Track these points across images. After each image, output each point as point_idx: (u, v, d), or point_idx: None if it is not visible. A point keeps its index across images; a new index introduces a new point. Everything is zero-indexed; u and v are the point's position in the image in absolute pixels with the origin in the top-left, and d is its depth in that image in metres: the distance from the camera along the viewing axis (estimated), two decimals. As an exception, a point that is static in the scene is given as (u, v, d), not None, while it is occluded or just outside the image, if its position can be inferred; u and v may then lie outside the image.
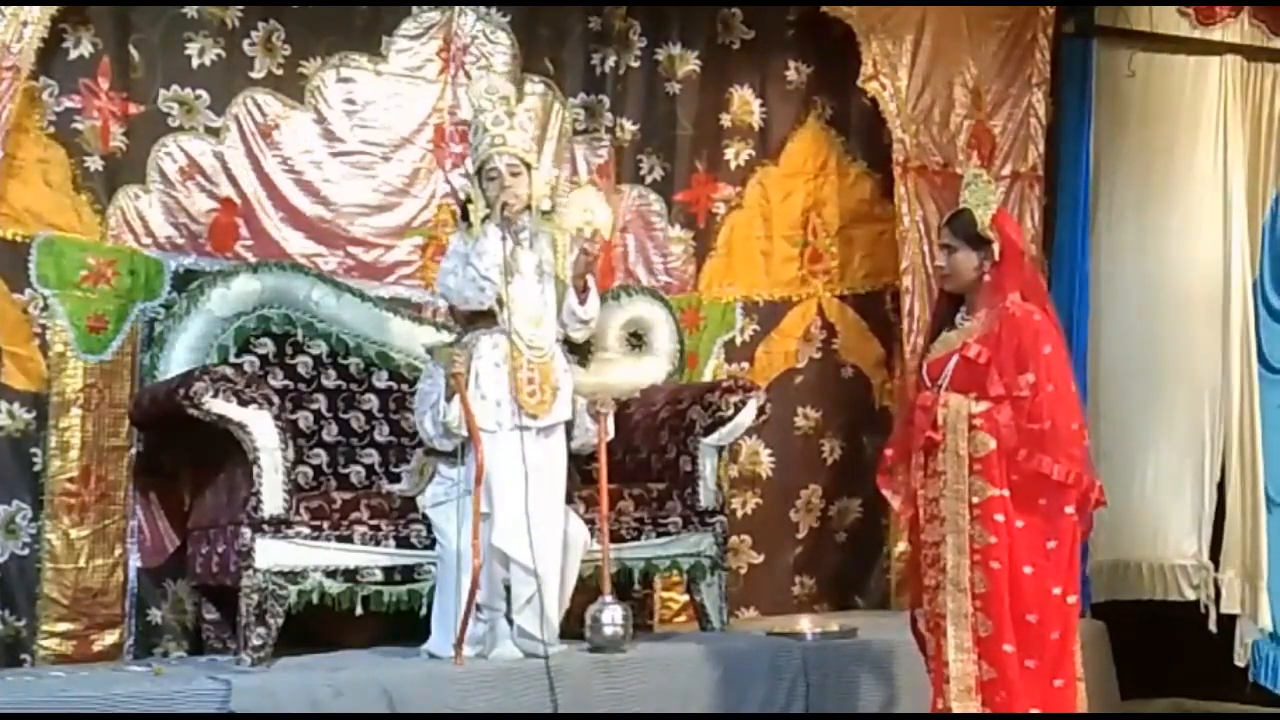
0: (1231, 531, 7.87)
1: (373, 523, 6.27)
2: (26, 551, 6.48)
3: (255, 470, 6.04)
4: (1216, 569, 7.84)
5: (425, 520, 6.31)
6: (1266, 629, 7.69)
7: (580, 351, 7.17)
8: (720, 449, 7.02)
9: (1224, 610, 7.79)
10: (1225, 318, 7.94)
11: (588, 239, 6.36)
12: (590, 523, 6.40)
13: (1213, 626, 7.80)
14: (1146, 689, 7.60)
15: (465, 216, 6.30)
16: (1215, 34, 8.15)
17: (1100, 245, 8.18)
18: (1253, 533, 7.78)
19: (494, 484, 6.01)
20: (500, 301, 6.15)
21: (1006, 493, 5.21)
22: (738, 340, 8.12)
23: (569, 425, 6.32)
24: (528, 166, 6.26)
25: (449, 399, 6.14)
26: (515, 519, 5.97)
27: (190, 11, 6.97)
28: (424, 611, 6.26)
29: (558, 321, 6.32)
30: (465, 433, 6.10)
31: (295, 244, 7.12)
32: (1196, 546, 7.90)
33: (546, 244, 6.31)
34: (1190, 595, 7.84)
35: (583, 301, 6.31)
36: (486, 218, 6.17)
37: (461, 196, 6.56)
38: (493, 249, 6.11)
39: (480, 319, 6.24)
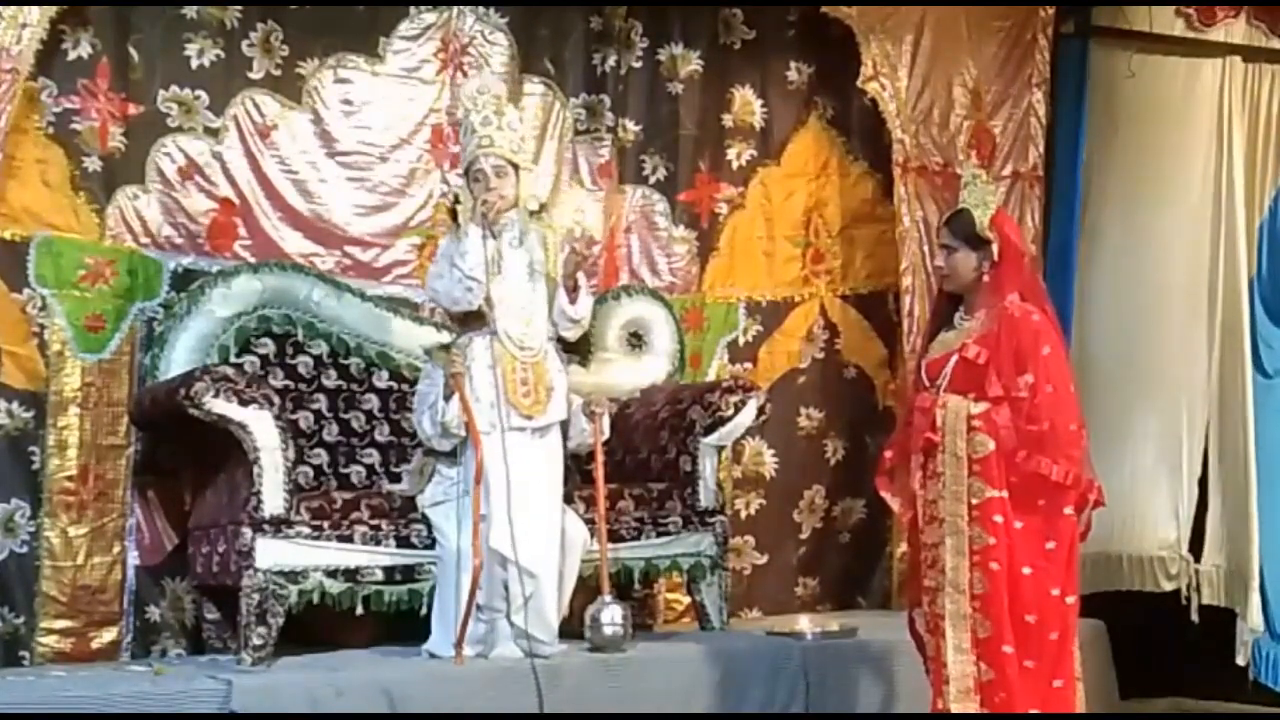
0: (1213, 525, 7.91)
1: (373, 522, 6.27)
2: (25, 549, 6.48)
3: (256, 470, 6.04)
4: (1197, 561, 7.89)
5: (425, 520, 6.30)
6: (1258, 628, 7.70)
7: (580, 351, 7.19)
8: (720, 449, 7.03)
9: (1204, 601, 7.84)
10: (1211, 315, 7.97)
11: (577, 238, 6.38)
12: (590, 522, 6.40)
13: (1195, 616, 7.83)
14: (1146, 689, 7.61)
15: (455, 217, 6.30)
16: (1214, 34, 8.16)
17: (1089, 243, 8.22)
18: (1243, 532, 7.79)
19: (490, 485, 6.01)
20: (488, 300, 6.15)
21: (1005, 494, 5.21)
22: (741, 340, 8.12)
23: (565, 425, 6.33)
24: (515, 167, 6.27)
25: (447, 399, 6.14)
26: (507, 519, 5.97)
27: (189, 12, 6.97)
28: (424, 611, 6.26)
29: (549, 321, 6.32)
30: (463, 433, 6.11)
31: (293, 244, 7.12)
32: (1174, 539, 7.95)
33: (537, 243, 6.30)
34: (1167, 586, 7.90)
35: (573, 301, 6.30)
36: (469, 219, 6.18)
37: (450, 199, 6.55)
38: (475, 249, 6.10)
39: (473, 320, 6.24)
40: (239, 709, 5.48)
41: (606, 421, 6.48)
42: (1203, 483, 7.97)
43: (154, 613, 6.72)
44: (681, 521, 6.85)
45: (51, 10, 6.47)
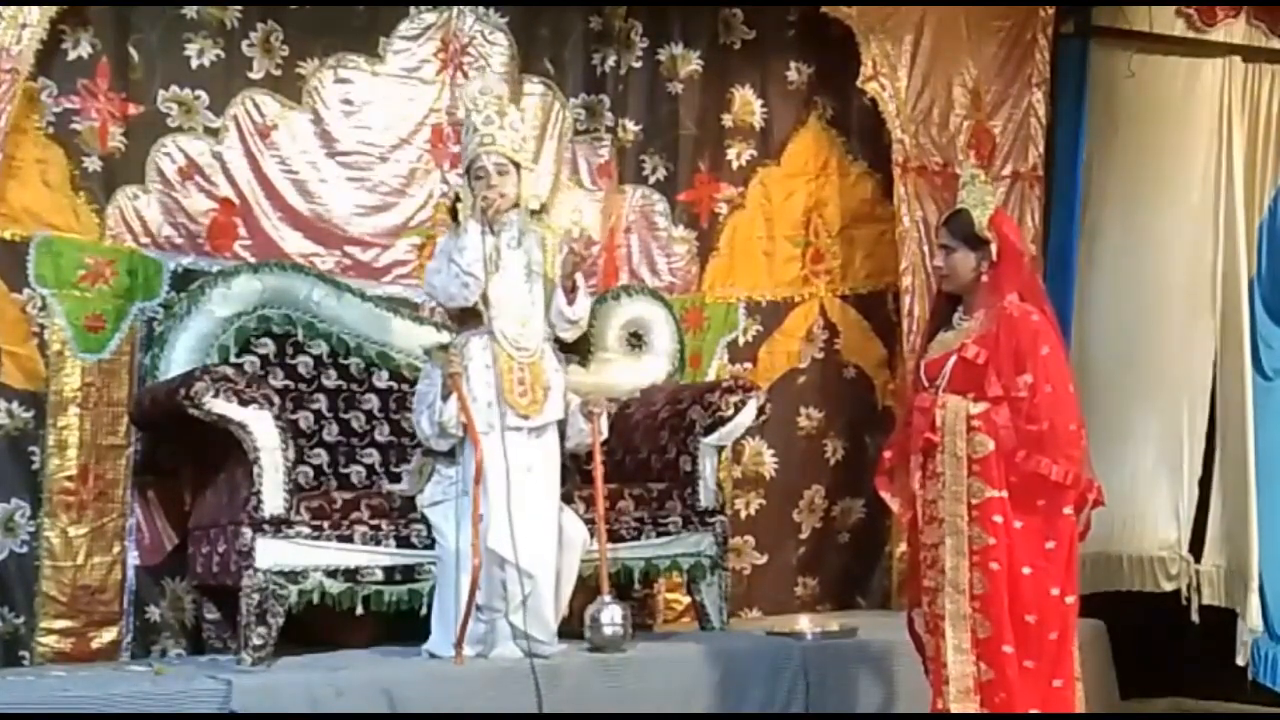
0: (1213, 526, 7.94)
1: (373, 522, 6.26)
2: (25, 549, 6.49)
3: (256, 470, 6.04)
4: (1198, 561, 7.91)
5: (425, 520, 6.30)
6: (1257, 629, 7.72)
7: (580, 351, 7.20)
8: (720, 449, 7.03)
9: (1204, 602, 7.86)
10: (1211, 315, 7.99)
11: (576, 239, 6.39)
12: (590, 522, 6.40)
13: (1195, 617, 7.86)
14: (1146, 689, 7.62)
15: (455, 216, 6.30)
16: (1214, 35, 8.17)
17: (1089, 243, 8.23)
18: (1243, 533, 7.80)
19: (488, 485, 6.01)
20: (485, 299, 6.16)
21: (1005, 494, 5.21)
22: (741, 340, 8.12)
23: (562, 424, 6.32)
24: (516, 166, 6.27)
25: (445, 399, 6.14)
26: (506, 519, 5.97)
27: (189, 12, 6.97)
28: (424, 611, 6.25)
29: (546, 321, 6.31)
30: (461, 433, 6.11)
31: (293, 244, 7.13)
32: (1175, 540, 7.96)
33: (535, 244, 6.30)
34: (1167, 586, 7.92)
35: (571, 302, 6.30)
36: (469, 215, 6.18)
37: (450, 197, 6.55)
38: (473, 245, 6.10)
39: (470, 319, 6.24)
40: (239, 709, 5.48)
41: (605, 422, 6.48)
42: (1204, 483, 7.98)
43: (154, 613, 6.72)
44: (681, 521, 6.85)
45: (51, 10, 6.47)
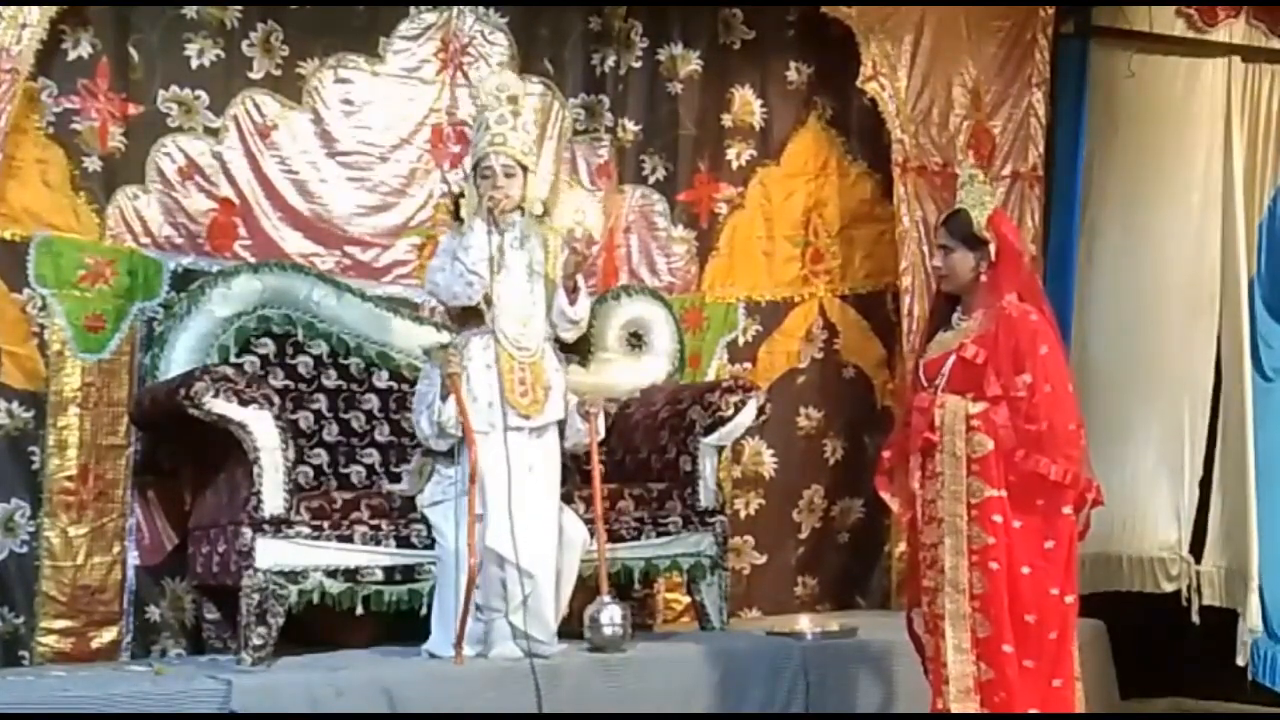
0: (1215, 527, 7.95)
1: (373, 522, 6.27)
2: (25, 549, 6.49)
3: (256, 470, 6.05)
4: (1198, 562, 7.92)
5: (425, 520, 6.30)
6: (1257, 629, 7.72)
7: (580, 351, 7.20)
8: (720, 449, 7.03)
9: (1205, 602, 7.88)
10: (1211, 315, 8.01)
11: (577, 239, 6.39)
12: (589, 522, 6.40)
13: (1195, 618, 7.88)
14: (1146, 689, 7.62)
15: (457, 214, 6.30)
16: (1214, 35, 8.18)
17: (1089, 243, 8.25)
18: (1243, 533, 7.80)
19: (487, 485, 6.02)
20: (487, 299, 6.16)
21: (1004, 493, 5.21)
22: (740, 340, 8.12)
23: (563, 424, 6.32)
24: (524, 169, 6.27)
25: (444, 399, 6.14)
26: (506, 519, 5.97)
27: (189, 12, 6.97)
28: (424, 611, 6.26)
29: (547, 321, 6.32)
30: (459, 433, 6.11)
31: (293, 244, 7.13)
32: (1175, 540, 7.98)
33: (537, 244, 6.30)
34: (1168, 587, 7.93)
35: (573, 302, 6.30)
36: (474, 214, 6.18)
37: (455, 191, 6.55)
38: (479, 244, 6.11)
39: (471, 319, 6.25)
40: (239, 709, 5.48)
41: (602, 421, 6.49)
42: (1204, 483, 7.98)
43: (154, 613, 6.73)
44: (681, 521, 6.85)
45: (51, 10, 6.48)
